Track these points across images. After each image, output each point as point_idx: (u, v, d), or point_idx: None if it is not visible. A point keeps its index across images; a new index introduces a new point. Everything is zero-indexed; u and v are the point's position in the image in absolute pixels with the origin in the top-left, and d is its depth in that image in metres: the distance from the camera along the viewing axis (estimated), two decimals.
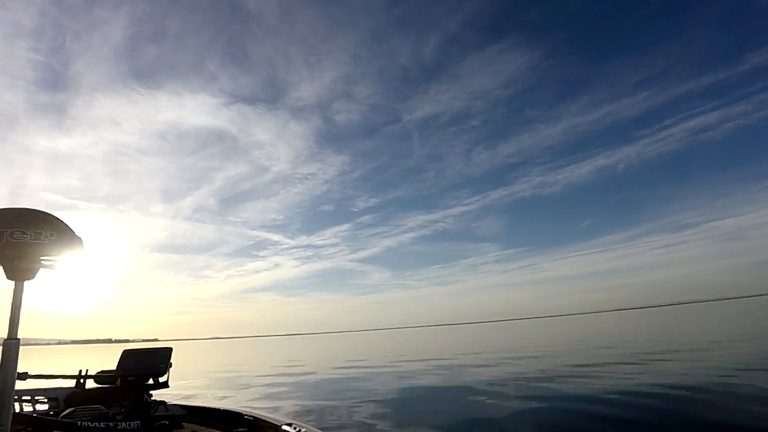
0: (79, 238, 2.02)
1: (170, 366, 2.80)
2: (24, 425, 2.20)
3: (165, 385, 2.76)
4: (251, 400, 9.00)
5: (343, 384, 11.03)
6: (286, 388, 10.74)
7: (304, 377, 13.22)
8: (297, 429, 2.51)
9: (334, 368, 15.88)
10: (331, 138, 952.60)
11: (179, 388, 11.86)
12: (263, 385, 11.75)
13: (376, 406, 7.49)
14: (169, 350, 2.80)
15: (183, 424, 3.05)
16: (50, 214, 1.97)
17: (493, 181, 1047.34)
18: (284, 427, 2.57)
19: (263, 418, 2.86)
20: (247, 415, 3.02)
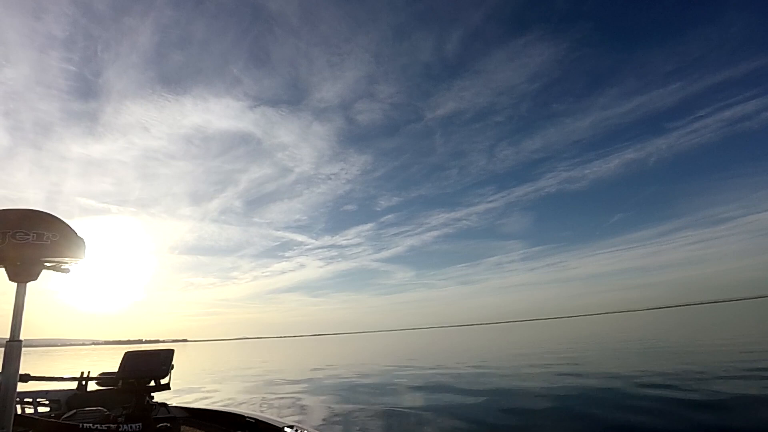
0: (82, 240, 2.01)
1: (172, 368, 2.79)
2: (26, 427, 2.21)
3: (167, 387, 2.75)
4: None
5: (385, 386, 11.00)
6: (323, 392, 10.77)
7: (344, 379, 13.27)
8: (298, 431, 2.47)
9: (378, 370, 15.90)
10: (353, 138, 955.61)
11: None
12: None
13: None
14: (170, 352, 2.80)
15: (185, 426, 3.04)
16: (53, 216, 1.97)
17: (518, 177, 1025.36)
18: (286, 429, 2.54)
19: (265, 420, 2.83)
20: (249, 417, 3.00)
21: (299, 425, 2.56)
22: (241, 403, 8.83)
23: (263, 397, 9.54)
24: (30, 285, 1.93)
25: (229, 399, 9.70)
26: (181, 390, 11.52)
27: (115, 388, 2.65)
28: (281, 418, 2.79)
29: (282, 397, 9.38)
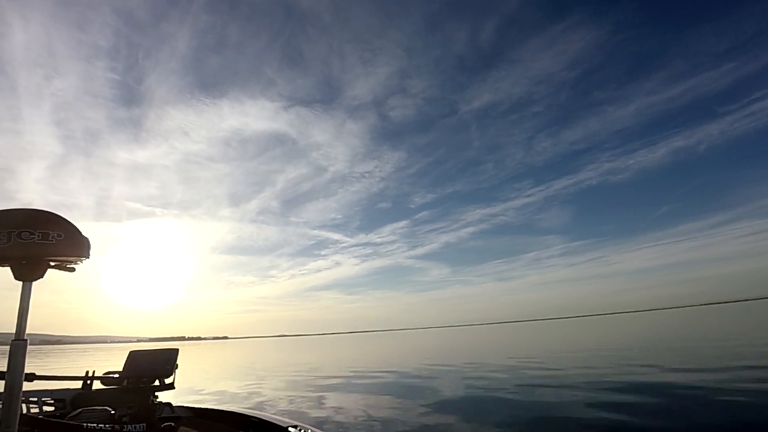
0: (87, 240, 2.01)
1: (176, 367, 2.78)
2: (30, 427, 2.23)
3: (171, 386, 2.75)
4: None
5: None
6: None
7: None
8: (302, 430, 2.43)
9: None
10: (386, 135, 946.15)
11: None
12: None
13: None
14: (175, 351, 2.80)
15: (189, 426, 3.04)
16: (58, 215, 1.97)
17: (557, 169, 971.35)
18: (290, 429, 2.51)
19: (269, 420, 2.81)
20: (253, 416, 2.98)
21: (303, 425, 2.53)
22: (297, 399, 8.81)
23: (313, 395, 9.62)
24: (38, 284, 1.95)
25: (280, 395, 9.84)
26: (215, 387, 11.77)
27: (120, 387, 2.68)
28: (286, 417, 2.76)
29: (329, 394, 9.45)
